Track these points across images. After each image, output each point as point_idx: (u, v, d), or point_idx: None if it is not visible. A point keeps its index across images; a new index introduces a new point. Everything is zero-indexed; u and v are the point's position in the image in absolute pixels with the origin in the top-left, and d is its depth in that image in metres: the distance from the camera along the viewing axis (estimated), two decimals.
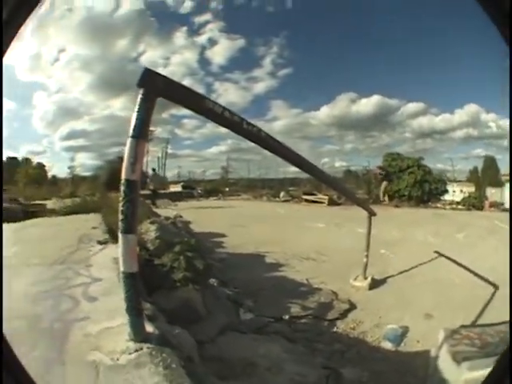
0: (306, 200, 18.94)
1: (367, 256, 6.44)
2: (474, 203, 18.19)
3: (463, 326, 4.30)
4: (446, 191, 21.84)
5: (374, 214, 6.70)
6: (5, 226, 8.33)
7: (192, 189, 23.23)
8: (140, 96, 2.44)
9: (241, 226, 11.27)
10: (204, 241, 8.95)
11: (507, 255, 5.36)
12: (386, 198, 19.81)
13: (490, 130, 30.12)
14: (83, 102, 24.27)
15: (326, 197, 17.78)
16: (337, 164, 28.29)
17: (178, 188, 23.68)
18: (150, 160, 26.84)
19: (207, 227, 10.74)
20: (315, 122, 26.95)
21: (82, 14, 20.34)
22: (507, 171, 20.43)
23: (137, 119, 2.45)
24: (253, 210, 16.45)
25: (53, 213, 10.40)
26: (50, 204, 11.60)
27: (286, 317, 5.06)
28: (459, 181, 26.80)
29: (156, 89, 2.49)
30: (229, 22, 23.34)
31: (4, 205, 10.77)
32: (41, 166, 22.87)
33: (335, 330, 4.91)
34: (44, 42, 19.79)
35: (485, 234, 9.91)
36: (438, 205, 19.17)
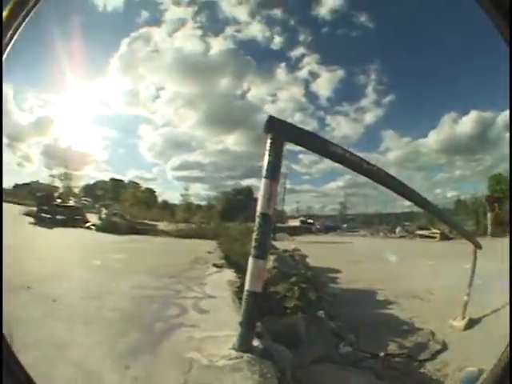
0: (420, 235, 18.84)
1: (468, 295, 6.35)
2: None
3: None
4: None
5: (480, 248, 6.58)
6: (110, 236, 9.77)
7: (311, 224, 23.65)
8: (269, 141, 2.88)
9: (356, 263, 11.49)
10: (319, 275, 9.33)
11: None
12: (493, 229, 17.92)
13: None
14: (194, 137, 26.05)
15: (438, 231, 17.49)
16: (448, 194, 26.50)
17: (296, 222, 24.24)
18: None
19: (323, 262, 11.23)
20: (425, 149, 25.75)
21: (172, 54, 22.12)
22: None
23: (268, 163, 2.94)
24: (369, 246, 16.62)
25: (164, 233, 11.65)
26: (160, 225, 13.10)
27: (382, 354, 5.29)
28: None
29: (282, 134, 2.93)
30: (323, 53, 23.57)
31: (114, 220, 12.84)
32: (150, 191, 24.76)
33: (422, 370, 5.02)
34: (138, 80, 21.71)
35: None
36: None
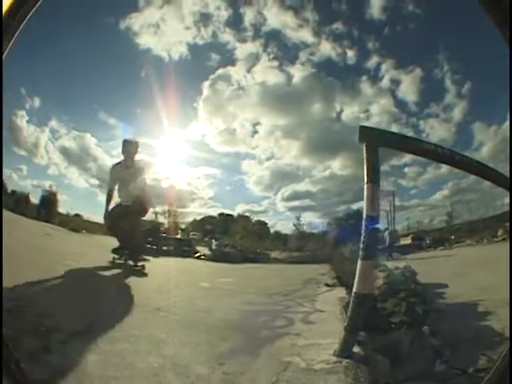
0: None
1: None
2: None
3: None
4: None
5: None
6: (222, 264, 11.14)
7: (420, 240, 23.25)
8: (364, 149, 3.07)
9: (461, 275, 10.99)
10: (426, 290, 9.15)
11: None
12: None
13: None
14: (299, 166, 26.43)
15: None
16: None
17: (408, 240, 23.84)
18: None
19: (431, 278, 10.73)
20: None
21: (257, 89, 22.56)
22: None
23: (367, 168, 3.12)
24: (474, 256, 15.99)
25: (276, 261, 12.78)
26: (273, 254, 13.83)
27: (471, 370, 5.26)
28: None
29: (374, 140, 3.10)
30: (399, 56, 22.93)
31: (225, 250, 13.75)
32: (262, 223, 25.35)
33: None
34: (230, 118, 22.29)
35: None
36: None
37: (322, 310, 4.90)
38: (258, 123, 24.83)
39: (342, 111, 25.11)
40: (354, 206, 25.53)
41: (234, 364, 3.44)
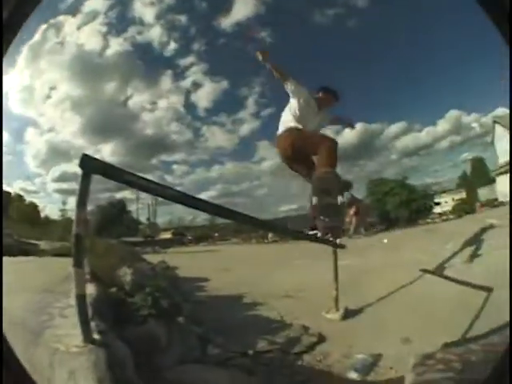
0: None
1: (336, 289, 6.54)
2: (465, 208, 18.04)
3: (445, 345, 4.27)
4: (437, 204, 22.17)
5: (342, 247, 6.90)
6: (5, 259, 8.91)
7: (182, 235, 23.46)
8: (81, 174, 3.29)
9: (225, 270, 11.51)
10: (187, 284, 9.27)
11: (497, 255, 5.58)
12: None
13: (474, 131, 30.14)
14: (74, 145, 24.61)
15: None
16: None
17: (168, 235, 23.85)
18: (141, 207, 26.81)
19: (192, 272, 11.04)
20: None
21: (74, 50, 20.86)
22: (496, 167, 20.33)
23: (79, 193, 3.34)
24: (239, 253, 16.62)
25: (43, 253, 11.30)
26: (42, 245, 12.96)
27: (251, 352, 5.13)
28: (450, 190, 26.73)
29: (92, 169, 3.33)
30: (212, 64, 24.09)
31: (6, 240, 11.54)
32: (34, 206, 22.79)
33: (301, 363, 4.90)
34: (37, 74, 20.31)
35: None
36: (428, 220, 19.33)
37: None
38: (55, 88, 22.15)
39: (131, 97, 24.42)
40: (118, 195, 24.46)
41: None
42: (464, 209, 18.21)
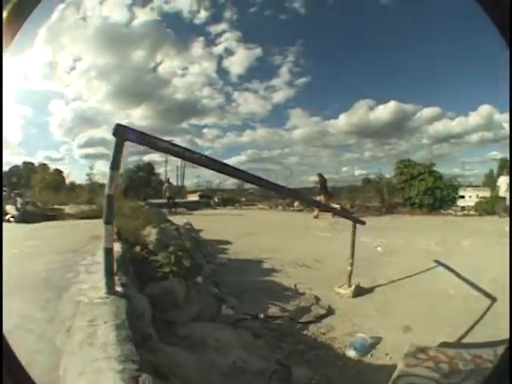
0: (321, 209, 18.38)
1: (351, 264, 6.58)
2: (487, 208, 17.51)
3: (442, 344, 4.39)
4: (461, 197, 21.36)
5: (361, 223, 6.92)
6: (28, 226, 9.80)
7: (209, 198, 23.64)
8: (114, 142, 3.66)
9: (248, 235, 11.70)
10: (209, 246, 9.81)
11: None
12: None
13: (505, 131, 29.05)
14: (101, 111, 24.88)
15: (338, 206, 17.03)
16: (356, 172, 28.06)
17: (195, 197, 24.09)
18: (170, 169, 27.17)
19: (216, 235, 11.37)
20: (334, 130, 26.93)
21: (98, 23, 20.86)
22: None
23: (113, 157, 3.74)
24: (265, 219, 16.64)
25: (69, 216, 11.94)
26: (67, 209, 13.29)
27: (261, 316, 5.41)
28: (476, 186, 26.02)
29: (124, 138, 3.67)
30: (244, 32, 23.69)
31: (28, 208, 12.26)
32: (58, 172, 23.37)
33: (306, 332, 5.13)
34: (59, 50, 20.36)
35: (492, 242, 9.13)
36: (450, 211, 18.81)
37: (99, 262, 4.82)
38: (79, 59, 22.38)
39: (161, 63, 24.26)
40: (146, 158, 24.72)
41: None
42: (486, 208, 17.52)
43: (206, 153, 23.95)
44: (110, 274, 3.77)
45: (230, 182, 25.83)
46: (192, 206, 20.52)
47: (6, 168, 20.66)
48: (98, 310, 3.32)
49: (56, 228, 9.07)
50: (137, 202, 13.08)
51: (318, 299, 6.14)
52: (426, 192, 20.01)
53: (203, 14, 22.70)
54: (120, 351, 2.50)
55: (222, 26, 23.25)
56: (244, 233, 11.98)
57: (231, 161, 24.47)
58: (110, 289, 3.77)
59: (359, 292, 6.44)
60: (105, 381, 2.22)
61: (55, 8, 18.98)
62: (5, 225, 10.29)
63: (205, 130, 28.33)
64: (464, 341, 4.77)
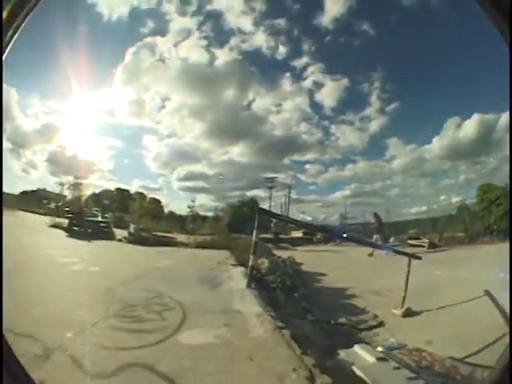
0: (411, 244, 18.94)
1: (405, 291, 8.57)
2: None
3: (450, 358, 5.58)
4: None
5: (418, 258, 9.36)
6: (141, 247, 14.39)
7: (312, 235, 24.55)
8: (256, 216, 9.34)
9: (342, 269, 13.41)
10: (307, 276, 12.40)
11: None
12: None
13: None
14: (199, 147, 26.01)
15: (427, 241, 18.61)
16: (453, 200, 26.72)
17: (299, 234, 25.29)
18: (274, 205, 28.36)
19: (314, 268, 13.62)
20: (430, 156, 25.93)
21: (178, 64, 22.12)
22: None
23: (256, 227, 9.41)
24: (356, 255, 17.30)
25: (183, 245, 15.58)
26: (179, 238, 17.09)
27: (332, 322, 8.09)
28: None
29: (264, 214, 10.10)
30: (327, 62, 23.89)
31: (142, 234, 15.92)
32: (156, 201, 25.55)
33: (359, 335, 7.57)
34: (143, 90, 21.64)
35: None
36: None
37: (233, 275, 9.19)
38: (168, 98, 24.35)
39: (253, 101, 25.20)
40: (249, 193, 26.09)
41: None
42: None
43: (311, 188, 25.00)
44: (250, 276, 8.35)
45: (334, 218, 26.62)
46: (295, 242, 22.30)
47: (96, 190, 23.60)
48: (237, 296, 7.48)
49: (172, 252, 13.42)
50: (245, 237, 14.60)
51: (376, 316, 8.42)
52: (503, 217, 18.47)
53: (282, 50, 23.42)
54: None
55: (305, 60, 23.74)
56: (339, 267, 13.66)
57: (336, 196, 24.89)
58: (248, 284, 8.22)
59: (408, 313, 8.37)
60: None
61: (126, 51, 20.25)
62: (125, 245, 13.69)
63: (307, 166, 28.51)
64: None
